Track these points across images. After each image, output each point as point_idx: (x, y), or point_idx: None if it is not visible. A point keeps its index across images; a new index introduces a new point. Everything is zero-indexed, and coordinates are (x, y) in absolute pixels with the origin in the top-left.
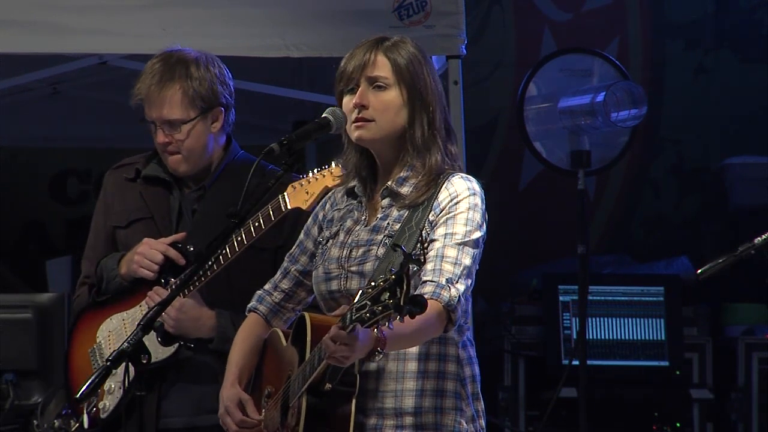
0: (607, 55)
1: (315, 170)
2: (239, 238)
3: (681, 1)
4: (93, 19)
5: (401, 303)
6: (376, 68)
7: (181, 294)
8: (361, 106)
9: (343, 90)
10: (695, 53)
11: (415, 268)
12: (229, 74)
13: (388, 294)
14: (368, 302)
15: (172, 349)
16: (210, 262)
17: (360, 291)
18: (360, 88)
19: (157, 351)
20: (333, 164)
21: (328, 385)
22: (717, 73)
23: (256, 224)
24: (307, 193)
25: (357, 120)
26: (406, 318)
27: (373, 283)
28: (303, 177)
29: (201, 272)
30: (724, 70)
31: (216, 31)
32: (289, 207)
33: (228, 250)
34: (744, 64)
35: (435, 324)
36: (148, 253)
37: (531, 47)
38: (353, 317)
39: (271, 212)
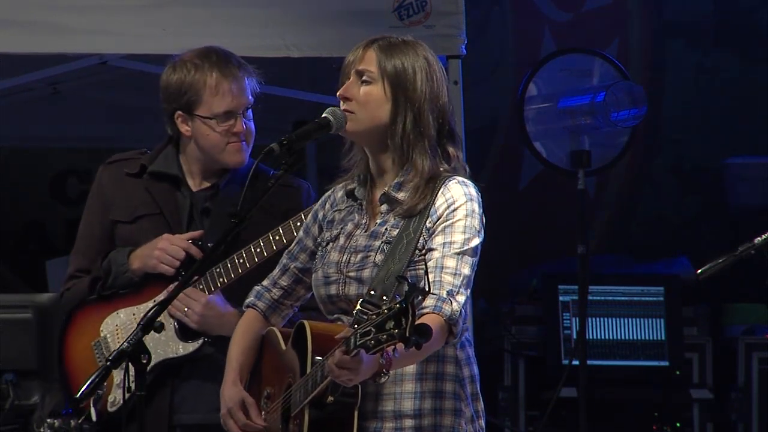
0: (607, 55)
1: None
2: (277, 238)
3: (681, 1)
4: (93, 19)
5: (407, 334)
6: (364, 62)
7: (206, 291)
8: (345, 98)
9: (340, 83)
10: (695, 53)
11: (420, 297)
12: None
13: (393, 323)
14: (373, 329)
15: (197, 344)
16: (237, 262)
17: (360, 300)
18: (348, 81)
19: (177, 347)
20: None
21: (330, 398)
22: (717, 73)
23: (298, 224)
24: None
25: (343, 111)
26: None
27: (372, 292)
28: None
29: (208, 271)
30: (724, 70)
31: (216, 31)
32: None
33: (263, 248)
34: (744, 64)
35: (438, 339)
36: (170, 249)
37: (531, 47)
38: (357, 342)
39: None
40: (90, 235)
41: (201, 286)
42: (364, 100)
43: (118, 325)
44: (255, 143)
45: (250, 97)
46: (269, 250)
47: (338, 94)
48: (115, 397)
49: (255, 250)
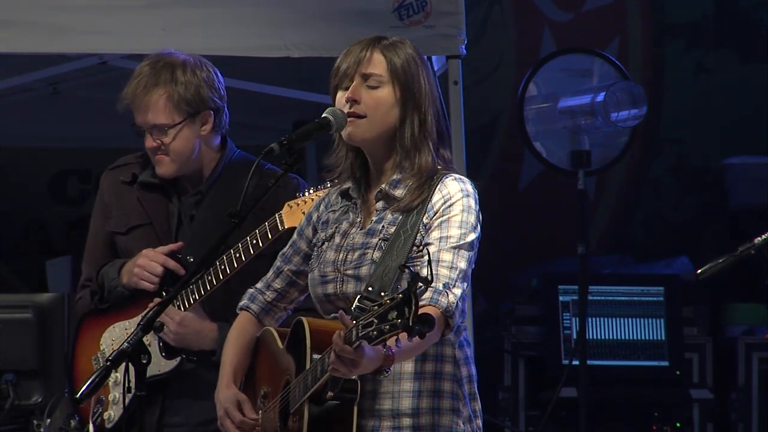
0: (607, 55)
1: (311, 189)
2: (237, 255)
3: (681, 1)
4: (93, 19)
5: (410, 323)
6: (372, 65)
7: (182, 307)
8: (353, 101)
9: (338, 86)
10: (695, 53)
11: (422, 287)
12: (220, 77)
13: (395, 313)
14: (375, 320)
15: (174, 362)
16: (210, 269)
17: (357, 296)
18: (353, 84)
19: (160, 364)
20: (329, 183)
21: (330, 394)
22: (717, 73)
23: (254, 242)
24: (303, 213)
25: (348, 115)
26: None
27: (370, 288)
28: (299, 196)
29: (201, 277)
30: (724, 70)
31: (216, 31)
32: (285, 227)
33: (227, 266)
34: (744, 64)
35: (435, 331)
36: (148, 265)
37: (531, 47)
38: (359, 334)
39: (268, 231)
40: (94, 244)
41: (177, 303)
42: (375, 103)
43: (114, 340)
44: (255, 143)
45: (168, 117)
46: (231, 268)
47: (347, 96)
48: (111, 413)
49: (220, 267)
